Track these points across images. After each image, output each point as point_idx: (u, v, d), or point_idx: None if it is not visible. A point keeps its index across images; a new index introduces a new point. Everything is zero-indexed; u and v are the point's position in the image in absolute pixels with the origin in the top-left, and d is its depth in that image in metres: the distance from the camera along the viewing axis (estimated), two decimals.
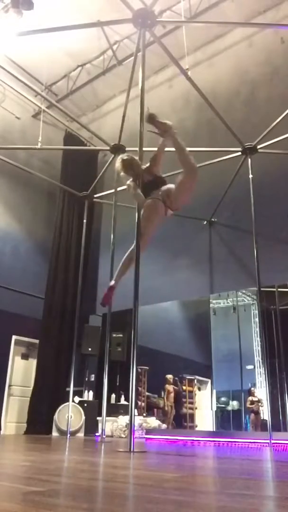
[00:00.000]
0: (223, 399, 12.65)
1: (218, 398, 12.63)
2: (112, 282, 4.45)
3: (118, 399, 9.08)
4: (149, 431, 7.75)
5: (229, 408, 12.51)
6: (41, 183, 9.88)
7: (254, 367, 12.35)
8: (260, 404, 10.86)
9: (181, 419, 11.22)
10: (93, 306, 9.52)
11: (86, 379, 8.91)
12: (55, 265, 9.38)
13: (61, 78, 10.11)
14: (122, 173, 4.44)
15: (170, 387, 10.88)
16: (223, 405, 12.62)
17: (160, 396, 11.12)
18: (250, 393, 11.30)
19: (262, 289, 6.71)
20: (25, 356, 9.25)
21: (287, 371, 9.85)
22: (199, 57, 8.87)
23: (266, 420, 6.55)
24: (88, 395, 8.70)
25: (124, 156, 4.48)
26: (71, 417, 7.53)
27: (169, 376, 10.97)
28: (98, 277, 9.34)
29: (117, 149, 7.09)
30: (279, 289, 10.32)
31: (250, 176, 6.67)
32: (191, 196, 4.35)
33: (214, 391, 12.69)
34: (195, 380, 12.08)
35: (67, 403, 7.63)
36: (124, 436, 7.65)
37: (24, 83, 8.28)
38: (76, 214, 9.69)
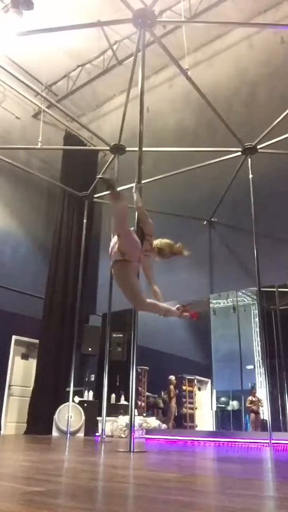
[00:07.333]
0: (223, 399, 12.61)
1: (218, 398, 12.60)
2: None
3: (118, 399, 9.08)
4: (149, 431, 7.75)
5: (229, 408, 12.48)
6: (41, 183, 9.88)
7: (254, 367, 12.32)
8: (260, 404, 10.85)
9: (181, 419, 11.21)
10: (93, 306, 9.52)
11: (86, 379, 8.91)
12: (55, 265, 9.38)
13: (61, 78, 10.11)
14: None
15: (173, 390, 10.85)
16: (223, 405, 12.58)
17: (160, 396, 11.11)
18: (251, 392, 11.29)
19: (262, 289, 6.71)
20: (25, 356, 9.24)
21: (287, 371, 9.84)
22: (199, 57, 8.87)
23: (266, 420, 6.55)
24: (88, 395, 8.69)
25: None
26: (71, 417, 7.53)
27: (173, 378, 10.95)
28: (98, 277, 9.34)
29: (117, 149, 7.10)
30: (279, 289, 10.29)
31: (250, 176, 6.67)
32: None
33: (214, 391, 12.66)
34: (195, 380, 12.06)
35: (67, 403, 7.63)
36: (124, 436, 7.65)
37: (24, 83, 8.26)
38: (76, 214, 9.69)
